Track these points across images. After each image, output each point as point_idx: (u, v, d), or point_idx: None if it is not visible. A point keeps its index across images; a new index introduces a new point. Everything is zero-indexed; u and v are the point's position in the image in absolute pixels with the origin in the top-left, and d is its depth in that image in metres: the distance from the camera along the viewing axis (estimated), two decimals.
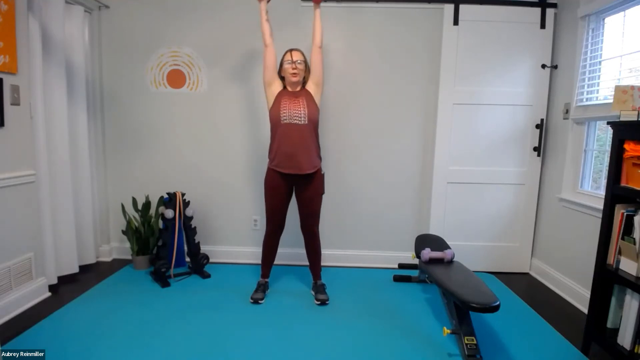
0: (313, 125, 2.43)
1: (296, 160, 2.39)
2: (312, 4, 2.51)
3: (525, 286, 2.95)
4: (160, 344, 2.03)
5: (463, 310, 2.06)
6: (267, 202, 2.54)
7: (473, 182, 3.10)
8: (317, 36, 2.47)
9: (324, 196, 2.58)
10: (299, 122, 2.38)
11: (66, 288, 2.67)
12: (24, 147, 2.40)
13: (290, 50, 2.47)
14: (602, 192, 2.33)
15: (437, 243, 2.72)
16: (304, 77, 2.50)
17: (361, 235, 3.26)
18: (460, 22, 2.93)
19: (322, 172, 2.53)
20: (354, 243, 3.27)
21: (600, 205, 2.09)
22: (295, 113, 2.38)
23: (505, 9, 2.93)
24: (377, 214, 3.23)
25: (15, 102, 2.31)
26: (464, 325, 2.04)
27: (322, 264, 2.75)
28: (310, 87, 2.49)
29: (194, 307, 2.43)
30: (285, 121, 2.38)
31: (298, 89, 2.49)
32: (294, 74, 2.42)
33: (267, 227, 2.59)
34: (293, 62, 2.41)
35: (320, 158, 2.52)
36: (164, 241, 2.86)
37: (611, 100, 2.05)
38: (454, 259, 2.56)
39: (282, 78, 2.51)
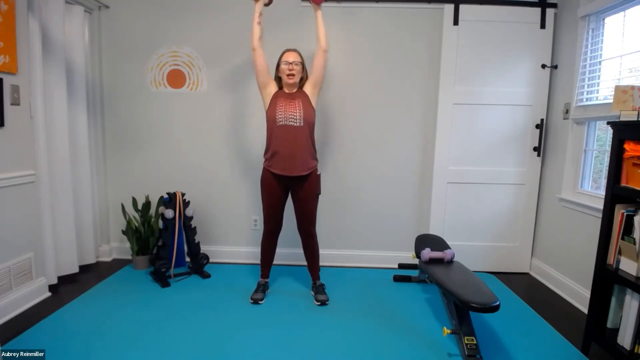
0: (309, 126, 2.43)
1: (290, 162, 2.39)
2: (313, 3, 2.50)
3: (525, 286, 2.95)
4: (160, 344, 2.03)
5: (463, 310, 2.06)
6: (263, 201, 2.54)
7: (473, 182, 3.10)
8: (322, 39, 2.44)
9: (324, 196, 2.58)
10: (295, 124, 2.38)
11: (66, 288, 2.67)
12: (24, 147, 2.40)
13: (287, 51, 2.46)
14: (602, 192, 2.32)
15: (437, 243, 2.72)
16: (301, 78, 2.49)
17: (361, 235, 3.26)
18: (460, 22, 2.93)
19: (318, 173, 2.53)
20: (353, 243, 3.27)
21: (600, 205, 2.09)
22: (291, 115, 2.38)
23: (505, 9, 2.93)
24: (377, 214, 3.23)
25: (15, 102, 2.31)
26: (464, 325, 2.04)
27: (322, 264, 2.75)
28: (307, 88, 2.49)
29: (194, 307, 2.43)
30: (281, 123, 2.38)
31: (294, 89, 2.49)
32: (291, 75, 2.41)
33: (264, 227, 2.60)
34: (290, 63, 2.41)
35: (316, 159, 2.52)
36: (164, 241, 2.86)
37: (611, 100, 2.05)
38: (454, 259, 2.56)
39: (279, 79, 2.51)
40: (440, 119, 3.04)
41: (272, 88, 2.48)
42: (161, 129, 3.18)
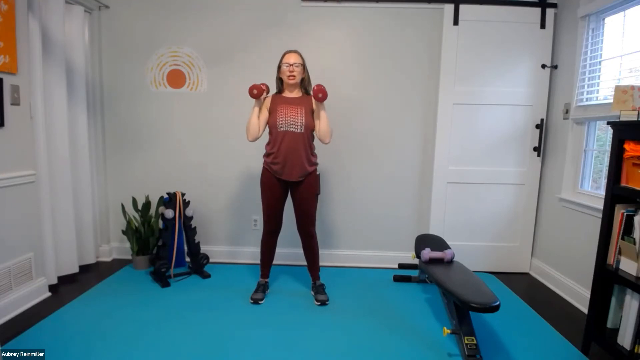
0: (309, 132, 2.44)
1: (288, 167, 2.41)
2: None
3: (525, 286, 2.95)
4: (160, 344, 2.03)
5: (463, 310, 2.06)
6: (263, 201, 2.55)
7: (473, 182, 3.10)
8: (321, 133, 2.43)
9: (325, 196, 2.58)
10: (296, 130, 2.39)
11: (66, 288, 2.67)
12: (24, 147, 2.40)
13: (288, 53, 2.46)
14: (602, 192, 2.32)
15: (437, 243, 2.72)
16: (302, 79, 2.49)
17: (361, 235, 3.26)
18: (460, 22, 2.93)
19: (317, 173, 2.53)
20: (354, 243, 3.27)
21: (600, 205, 2.09)
22: (292, 121, 2.39)
23: (505, 9, 2.93)
24: (377, 214, 3.23)
25: (15, 102, 2.31)
26: (464, 325, 2.04)
27: (322, 264, 2.75)
28: (313, 102, 2.47)
29: (194, 307, 2.43)
30: (282, 129, 2.38)
31: (295, 90, 2.49)
32: (291, 76, 2.42)
33: (264, 227, 2.60)
34: (290, 64, 2.41)
35: (314, 163, 2.52)
36: (164, 241, 2.86)
37: (611, 100, 2.05)
38: (454, 259, 2.56)
39: (280, 80, 2.51)
40: (440, 119, 3.04)
41: (268, 100, 2.48)
42: (161, 129, 3.18)
